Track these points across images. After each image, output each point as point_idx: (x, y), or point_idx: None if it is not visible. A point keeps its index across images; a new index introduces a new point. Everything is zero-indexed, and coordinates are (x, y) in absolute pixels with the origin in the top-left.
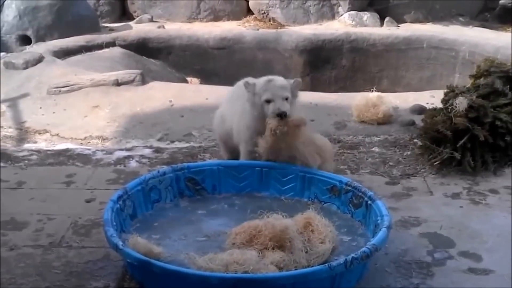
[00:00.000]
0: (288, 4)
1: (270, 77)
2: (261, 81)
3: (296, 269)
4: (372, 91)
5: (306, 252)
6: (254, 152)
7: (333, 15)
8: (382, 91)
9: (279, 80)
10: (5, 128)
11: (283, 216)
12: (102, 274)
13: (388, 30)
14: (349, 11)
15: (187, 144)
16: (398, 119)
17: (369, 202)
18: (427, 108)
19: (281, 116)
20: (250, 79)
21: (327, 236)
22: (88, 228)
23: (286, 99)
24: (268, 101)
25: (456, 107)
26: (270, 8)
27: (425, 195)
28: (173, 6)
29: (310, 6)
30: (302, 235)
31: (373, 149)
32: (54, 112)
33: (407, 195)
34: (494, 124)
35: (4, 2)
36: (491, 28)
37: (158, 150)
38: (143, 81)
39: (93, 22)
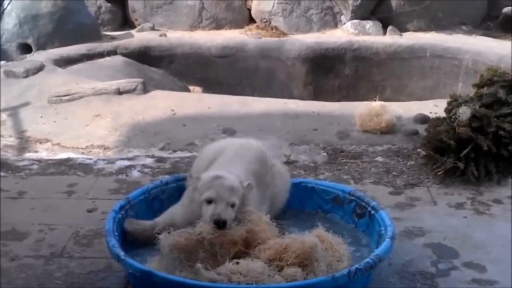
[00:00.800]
0: (290, 12)
1: (219, 173)
2: (207, 176)
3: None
4: (375, 100)
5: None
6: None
7: (335, 24)
8: (385, 100)
9: (229, 180)
10: (5, 137)
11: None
12: (104, 285)
13: (391, 39)
14: (352, 19)
15: (190, 154)
16: (402, 128)
17: (373, 212)
18: (431, 117)
19: (219, 224)
20: (196, 173)
21: (344, 255)
22: (90, 238)
23: (232, 205)
24: (209, 201)
25: (459, 116)
26: (272, 16)
27: (429, 205)
28: (175, 14)
29: (313, 14)
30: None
31: (377, 158)
32: (55, 121)
33: (410, 205)
34: (498, 134)
35: (4, 10)
36: (494, 37)
37: (160, 160)
38: (145, 90)
39: (94, 30)
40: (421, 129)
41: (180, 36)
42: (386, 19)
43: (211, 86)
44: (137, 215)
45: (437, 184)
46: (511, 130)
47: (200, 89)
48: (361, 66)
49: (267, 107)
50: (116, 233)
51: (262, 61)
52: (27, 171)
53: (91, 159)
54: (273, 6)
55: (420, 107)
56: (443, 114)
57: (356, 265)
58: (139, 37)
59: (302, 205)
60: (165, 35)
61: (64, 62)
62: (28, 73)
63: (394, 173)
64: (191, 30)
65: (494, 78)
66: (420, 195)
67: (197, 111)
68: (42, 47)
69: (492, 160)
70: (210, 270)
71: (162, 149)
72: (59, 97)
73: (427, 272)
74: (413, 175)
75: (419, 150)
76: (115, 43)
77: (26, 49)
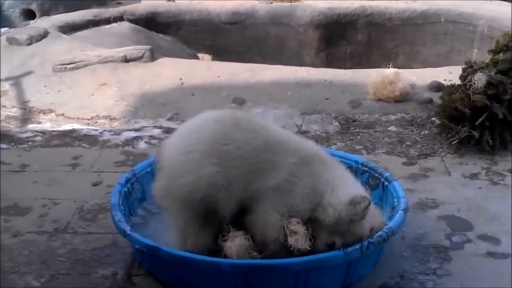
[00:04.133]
0: None
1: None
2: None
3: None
4: (389, 67)
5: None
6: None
7: None
8: (399, 67)
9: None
10: (8, 108)
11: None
12: (109, 261)
13: (405, 4)
14: None
15: None
16: (415, 96)
17: (386, 183)
18: (445, 85)
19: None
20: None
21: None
22: (95, 213)
23: None
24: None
25: (474, 83)
26: None
27: (442, 175)
28: None
29: None
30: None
31: (390, 128)
32: (59, 91)
33: (424, 175)
34: None
35: None
36: (510, 1)
37: (168, 131)
38: (153, 58)
39: None
40: (436, 97)
41: (188, 2)
42: None
43: (220, 53)
44: (143, 188)
45: (451, 154)
46: None
47: (209, 57)
48: (374, 32)
49: (278, 75)
50: (122, 207)
51: (272, 28)
52: (30, 143)
53: (96, 130)
54: None
55: (434, 74)
56: (458, 81)
57: (369, 239)
58: (146, 3)
59: None
60: (173, 0)
61: (69, 29)
62: (31, 40)
63: (408, 143)
64: None
65: (510, 44)
66: (434, 166)
67: (206, 79)
68: (46, 13)
69: (508, 129)
70: None
71: (170, 119)
72: (64, 65)
73: (441, 246)
74: (427, 145)
75: (433, 118)
76: (121, 8)
77: (29, 15)
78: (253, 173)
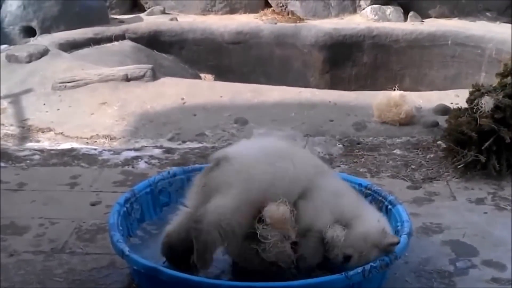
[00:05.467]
0: None
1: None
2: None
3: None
4: (394, 89)
5: None
6: None
7: (354, 9)
8: (405, 90)
9: None
10: (6, 126)
11: None
12: (107, 282)
13: (412, 26)
14: (372, 4)
15: (200, 145)
16: (421, 119)
17: (390, 207)
18: (452, 108)
19: None
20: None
21: None
22: (93, 233)
23: None
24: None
25: (481, 107)
26: (289, 0)
27: (448, 200)
28: None
29: None
30: None
31: (395, 151)
32: (58, 109)
33: (429, 200)
34: None
35: None
36: None
37: (168, 151)
38: (154, 77)
39: (102, 13)
40: (442, 120)
41: (191, 21)
42: (408, 5)
43: (224, 73)
44: (142, 208)
45: (457, 178)
46: None
47: (211, 77)
48: (380, 54)
49: (282, 96)
50: (121, 228)
51: (277, 48)
52: (28, 161)
53: (95, 149)
54: None
55: (441, 97)
56: (465, 105)
57: (371, 263)
58: (148, 21)
59: None
60: (176, 19)
61: (70, 47)
62: (31, 58)
63: (413, 166)
64: (204, 14)
65: None
66: (439, 190)
67: (208, 100)
68: (46, 30)
69: None
70: None
71: (171, 139)
72: (64, 84)
73: (445, 271)
74: (432, 169)
75: (439, 142)
76: (123, 27)
77: (29, 32)
78: (312, 175)
